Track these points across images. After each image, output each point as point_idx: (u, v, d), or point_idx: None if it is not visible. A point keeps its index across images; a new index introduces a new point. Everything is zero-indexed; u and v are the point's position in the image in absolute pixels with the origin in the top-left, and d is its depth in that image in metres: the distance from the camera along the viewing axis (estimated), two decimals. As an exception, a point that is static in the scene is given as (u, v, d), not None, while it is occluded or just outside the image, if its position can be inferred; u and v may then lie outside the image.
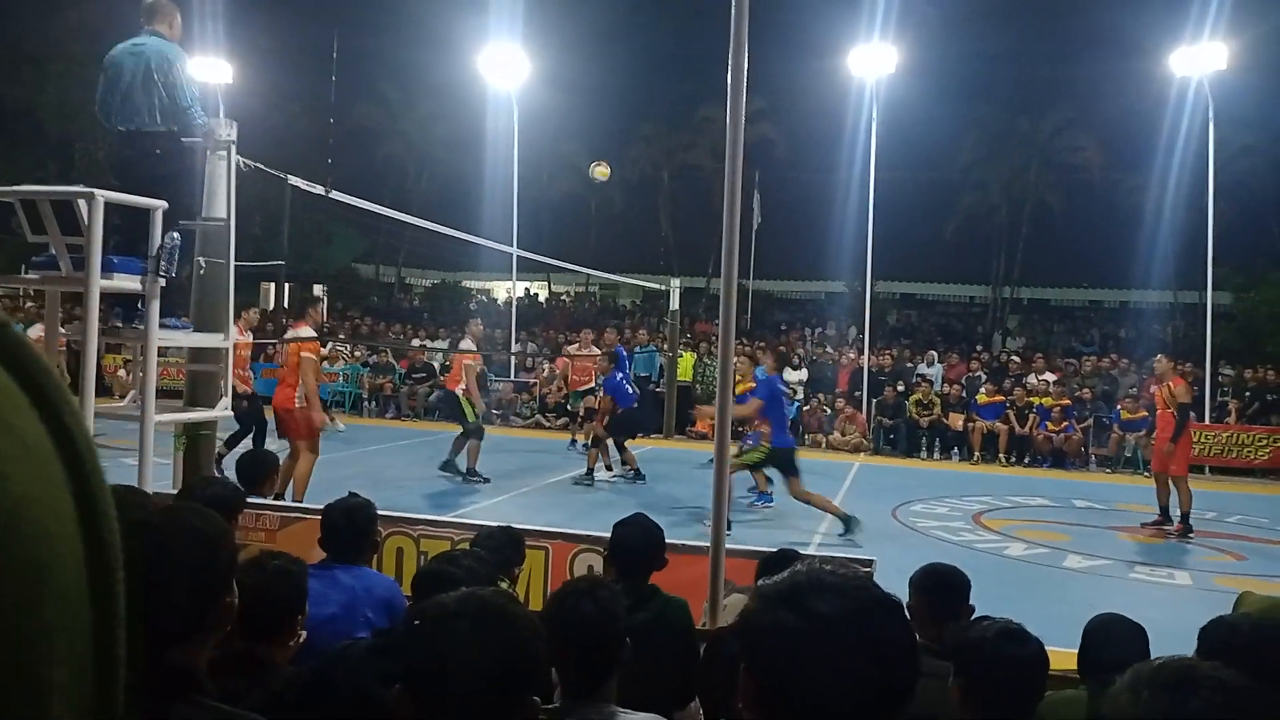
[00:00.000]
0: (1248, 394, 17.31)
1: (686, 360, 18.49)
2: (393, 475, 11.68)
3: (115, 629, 0.43)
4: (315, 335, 8.81)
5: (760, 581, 1.19)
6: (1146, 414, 16.10)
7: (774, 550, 3.96)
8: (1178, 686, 1.04)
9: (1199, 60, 17.78)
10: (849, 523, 9.03)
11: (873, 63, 19.43)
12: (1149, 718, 1.03)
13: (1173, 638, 2.58)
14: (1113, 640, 2.79)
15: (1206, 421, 16.64)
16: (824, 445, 16.88)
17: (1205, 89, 18.05)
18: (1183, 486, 10.43)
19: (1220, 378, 18.18)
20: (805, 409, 17.60)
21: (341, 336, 22.14)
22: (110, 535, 0.43)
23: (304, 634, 2.59)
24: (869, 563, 4.40)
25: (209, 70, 19.23)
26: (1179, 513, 10.45)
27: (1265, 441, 15.87)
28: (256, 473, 4.87)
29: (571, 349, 16.41)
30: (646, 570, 3.47)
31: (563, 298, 36.68)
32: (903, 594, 3.16)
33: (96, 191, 4.92)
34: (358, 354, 20.60)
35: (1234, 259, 22.81)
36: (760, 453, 9.49)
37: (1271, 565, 9.26)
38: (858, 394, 17.91)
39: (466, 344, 11.90)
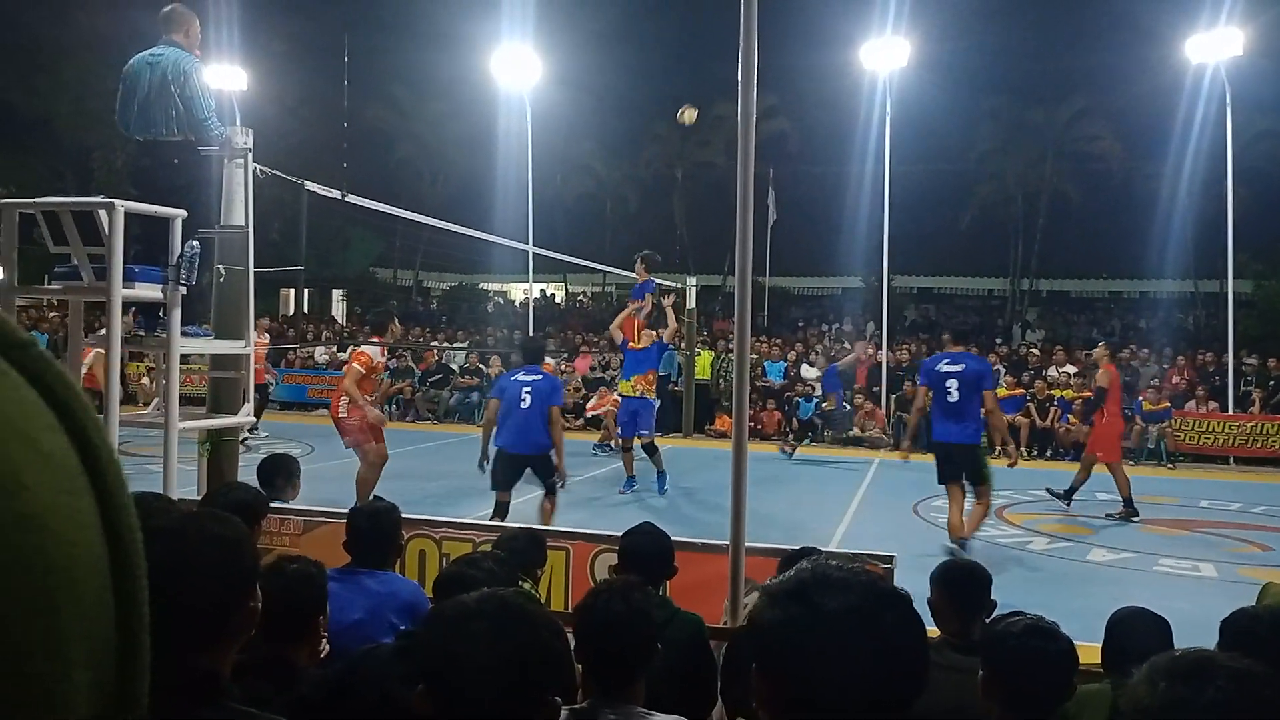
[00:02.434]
0: (1271, 383, 17.14)
1: (704, 358, 18.50)
2: (414, 478, 11.72)
3: (140, 633, 0.44)
4: (375, 347, 9.05)
5: (768, 580, 1.20)
6: (1169, 404, 16.04)
7: (796, 548, 3.96)
8: (1194, 676, 1.04)
9: (1215, 46, 17.61)
10: None
11: (885, 56, 19.36)
12: (1166, 708, 1.03)
13: (1198, 629, 2.56)
14: (1136, 633, 2.78)
15: (1230, 411, 16.50)
16: (844, 441, 16.84)
17: (1222, 75, 17.89)
18: (1118, 472, 10.51)
19: (1244, 367, 18.00)
20: (824, 405, 17.56)
21: (360, 340, 22.26)
22: (133, 544, 0.45)
23: (326, 640, 2.62)
24: (890, 559, 4.40)
25: (224, 77, 19.35)
26: (1120, 498, 10.56)
27: (1290, 430, 15.71)
28: (278, 477, 4.90)
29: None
30: (657, 578, 3.47)
31: (579, 298, 36.74)
32: (924, 590, 3.16)
33: (117, 202, 4.98)
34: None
35: (1254, 246, 22.60)
36: None
37: (1298, 555, 9.18)
38: (876, 389, 17.85)
39: (368, 347, 9.61)
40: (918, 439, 9.31)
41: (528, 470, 8.00)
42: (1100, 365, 11.33)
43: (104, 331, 5.22)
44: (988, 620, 2.50)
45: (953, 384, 7.88)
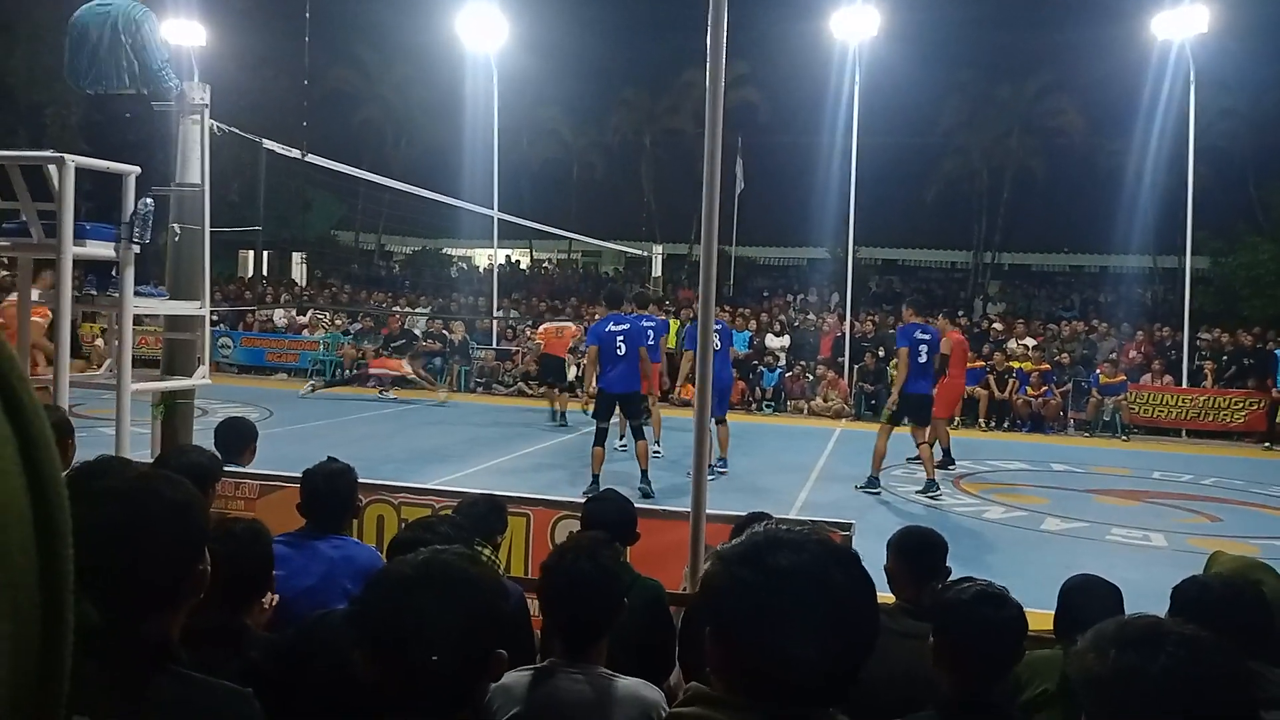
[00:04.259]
0: (1225, 357, 17.48)
1: (671, 327, 18.48)
2: (374, 443, 11.67)
3: (63, 590, 0.44)
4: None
5: (720, 544, 1.19)
6: (1125, 378, 16.33)
7: (746, 514, 3.98)
8: (1144, 644, 1.05)
9: (1180, 23, 17.75)
10: None
11: (855, 26, 19.32)
12: (1119, 676, 1.04)
13: (1148, 598, 2.60)
14: (1089, 601, 2.82)
15: (1184, 385, 16.81)
16: (806, 411, 16.96)
17: (1186, 52, 18.05)
18: (940, 427, 11.46)
19: (1199, 341, 18.33)
20: (788, 375, 17.67)
21: (321, 304, 22.01)
22: (59, 499, 0.44)
23: (275, 597, 2.59)
24: (848, 526, 4.43)
25: (182, 32, 18.87)
26: (942, 449, 11.60)
27: (1241, 405, 16.04)
28: (235, 441, 4.82)
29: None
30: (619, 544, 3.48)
31: (545, 265, 36.53)
32: (882, 557, 3.19)
33: (67, 156, 4.84)
34: (338, 322, 20.49)
35: (1212, 223, 22.93)
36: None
37: (1246, 526, 9.40)
38: (840, 360, 17.97)
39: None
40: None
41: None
42: (943, 334, 11.97)
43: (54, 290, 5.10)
44: (939, 587, 2.52)
45: (924, 349, 9.71)
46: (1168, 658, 1.02)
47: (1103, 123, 29.86)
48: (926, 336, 9.78)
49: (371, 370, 16.91)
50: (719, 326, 10.92)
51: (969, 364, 16.82)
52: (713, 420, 10.43)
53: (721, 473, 10.36)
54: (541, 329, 16.48)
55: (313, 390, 16.50)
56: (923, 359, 9.70)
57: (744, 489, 9.88)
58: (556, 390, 14.83)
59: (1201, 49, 18.23)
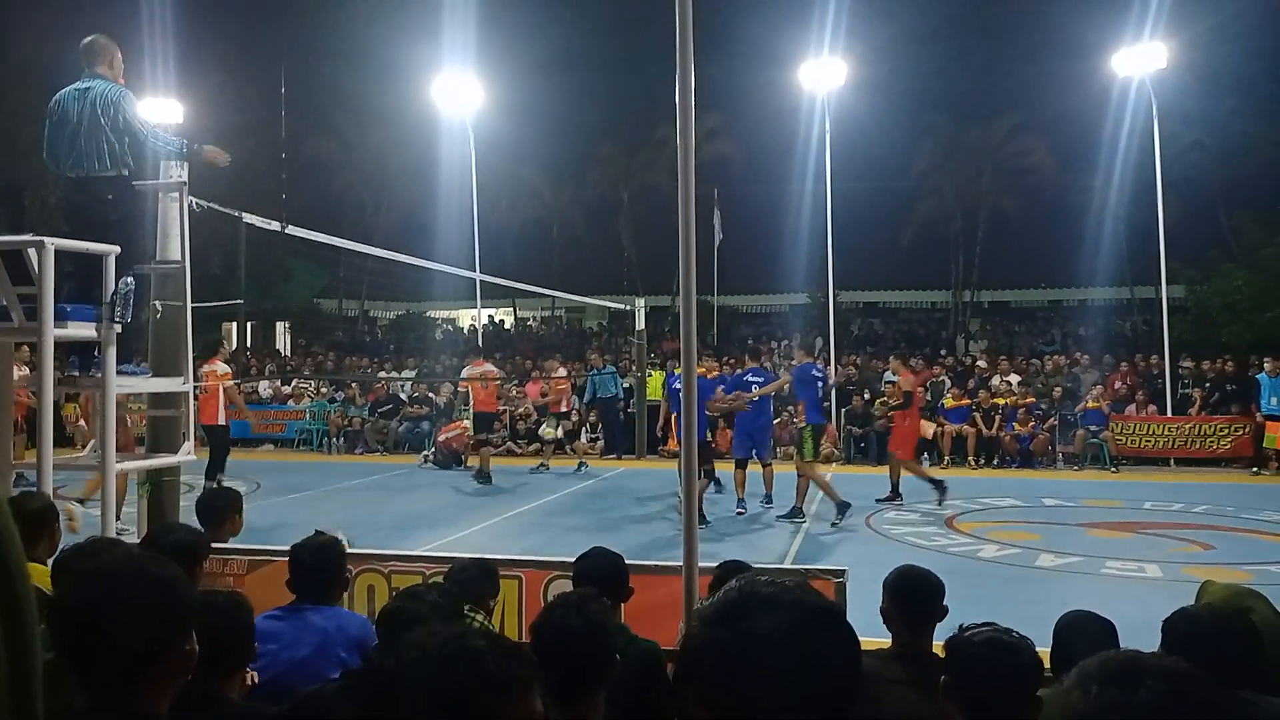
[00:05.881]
0: (1208, 385, 17.60)
1: (656, 379, 18.50)
2: (363, 511, 11.58)
3: (32, 684, 0.43)
4: None
5: (698, 602, 1.19)
6: (1107, 405, 16.38)
7: (716, 565, 3.92)
8: (1124, 677, 1.05)
9: (1140, 60, 18.18)
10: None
11: (823, 77, 19.66)
12: (1103, 711, 1.04)
13: (1144, 630, 2.60)
14: (1082, 637, 2.82)
15: (1169, 414, 16.90)
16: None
17: (1148, 88, 18.45)
18: (904, 465, 12.07)
19: (1181, 370, 18.45)
20: (776, 421, 17.64)
21: (306, 373, 21.94)
22: (24, 593, 0.43)
23: (254, 675, 2.58)
24: (842, 572, 4.42)
25: (159, 111, 19.06)
26: (891, 485, 12.17)
27: (1227, 431, 16.12)
28: (214, 513, 4.76)
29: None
30: (613, 601, 3.46)
31: (529, 322, 36.63)
32: (878, 599, 3.18)
33: (46, 240, 4.85)
34: (323, 390, 20.41)
35: (1185, 253, 23.22)
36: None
37: (1238, 552, 9.39)
38: (827, 404, 17.97)
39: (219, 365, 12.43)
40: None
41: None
42: (899, 374, 12.68)
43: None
44: (962, 628, 2.52)
45: (821, 385, 11.39)
46: (1148, 691, 1.03)
47: (1071, 160, 30.42)
48: (819, 374, 11.56)
49: (441, 438, 16.55)
50: (749, 376, 11.75)
51: (957, 402, 16.97)
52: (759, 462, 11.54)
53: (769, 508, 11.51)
54: (464, 375, 15.46)
55: (425, 461, 16.31)
56: (819, 394, 11.29)
57: (736, 539, 9.84)
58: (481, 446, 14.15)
59: (1162, 85, 18.65)
